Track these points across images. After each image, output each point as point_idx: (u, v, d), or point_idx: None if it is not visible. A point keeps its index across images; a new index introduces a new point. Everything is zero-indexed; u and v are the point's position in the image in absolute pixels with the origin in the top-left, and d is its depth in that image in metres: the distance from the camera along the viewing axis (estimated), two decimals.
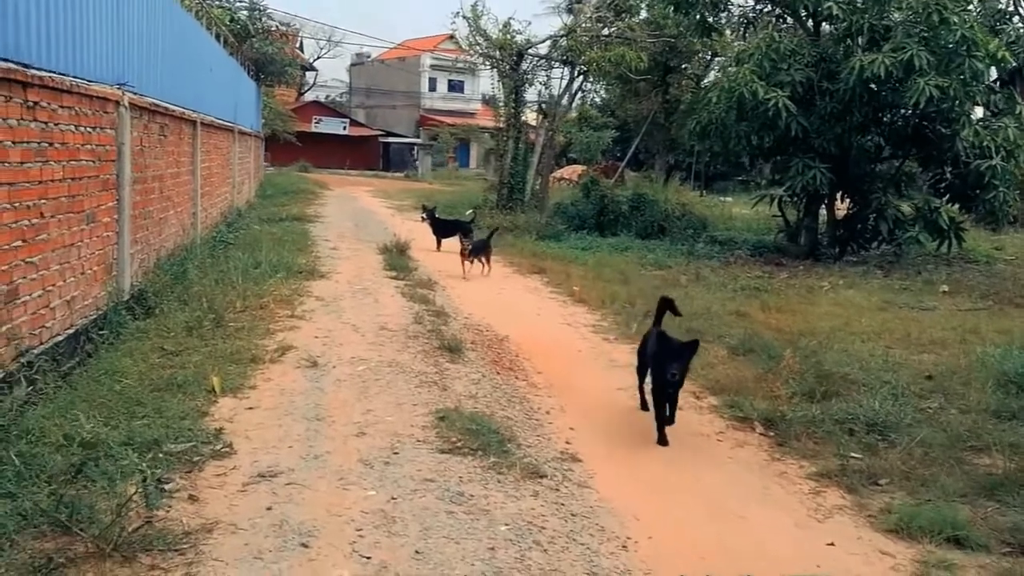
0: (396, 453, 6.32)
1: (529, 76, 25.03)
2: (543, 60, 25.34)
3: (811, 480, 6.64)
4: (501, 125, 25.87)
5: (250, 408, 7.20)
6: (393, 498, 5.56)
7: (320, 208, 26.57)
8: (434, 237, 18.21)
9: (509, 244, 19.68)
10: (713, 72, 36.09)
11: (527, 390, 8.40)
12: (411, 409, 7.36)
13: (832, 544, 5.55)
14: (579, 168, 38.39)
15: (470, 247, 15.23)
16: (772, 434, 7.58)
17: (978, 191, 17.34)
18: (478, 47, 25.35)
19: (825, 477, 6.65)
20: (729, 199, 33.84)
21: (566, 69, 25.14)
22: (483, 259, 15.60)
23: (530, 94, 27.16)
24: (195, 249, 13.66)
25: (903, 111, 17.38)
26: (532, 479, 6.11)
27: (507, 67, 24.85)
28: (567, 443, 6.99)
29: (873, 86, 16.63)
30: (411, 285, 13.38)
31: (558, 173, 34.05)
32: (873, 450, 7.09)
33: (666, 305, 7.91)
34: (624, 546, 5.29)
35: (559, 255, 17.92)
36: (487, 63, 25.68)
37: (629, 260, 17.32)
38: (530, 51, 24.96)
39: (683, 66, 35.49)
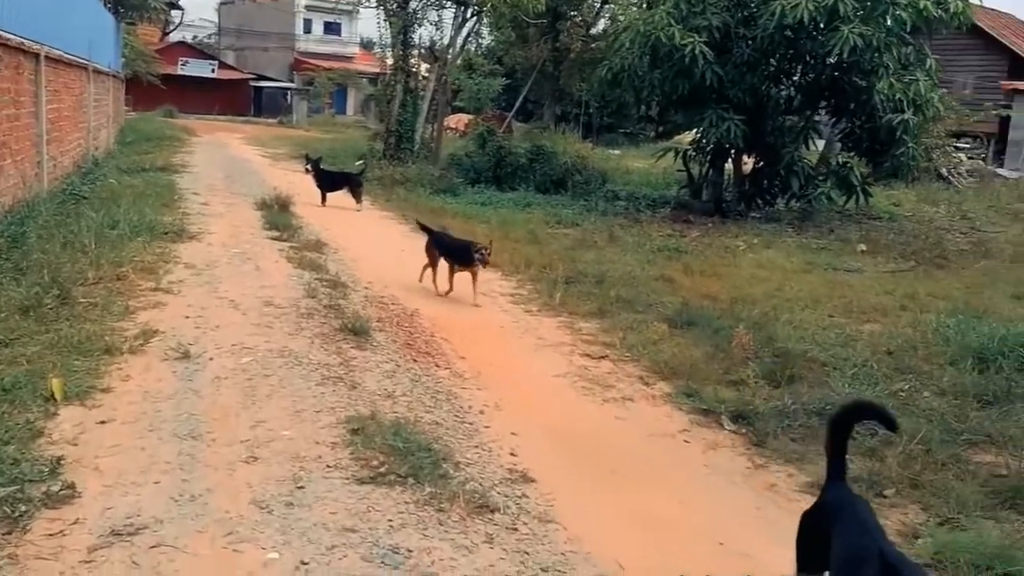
0: (300, 488, 4.83)
1: (419, 16, 23.14)
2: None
3: (808, 493, 5.51)
4: (387, 70, 23.90)
5: (102, 422, 5.53)
6: (303, 563, 4.09)
7: (187, 157, 24.01)
8: (319, 191, 16.36)
9: (402, 199, 18.06)
10: (603, 20, 34.96)
11: (452, 382, 7.01)
12: (314, 418, 5.85)
13: None
14: (465, 117, 36.67)
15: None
16: (744, 431, 6.47)
17: (888, 146, 16.81)
18: None
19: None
20: (618, 152, 32.94)
21: (459, 9, 23.36)
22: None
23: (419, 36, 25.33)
24: (39, 205, 11.52)
25: (820, 62, 16.57)
26: (481, 515, 4.75)
27: (395, 5, 22.89)
28: (512, 455, 5.66)
29: (790, 33, 15.72)
30: (297, 248, 11.65)
31: (445, 121, 32.30)
32: (862, 449, 6.05)
33: None
34: None
35: (459, 211, 16.42)
36: (373, 0, 23.62)
37: (534, 218, 15.99)
38: None
39: (572, 13, 34.24)
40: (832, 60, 15.91)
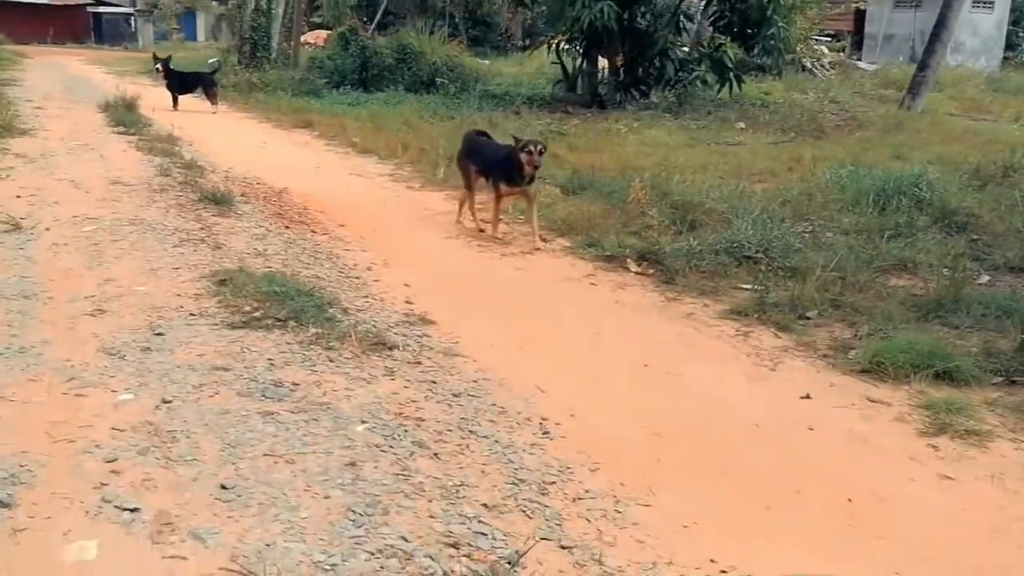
0: (159, 335, 4.08)
1: None
2: None
3: (728, 320, 5.16)
4: None
5: None
6: (165, 401, 3.38)
7: (18, 74, 21.66)
8: (170, 93, 14.96)
9: (260, 102, 16.79)
10: None
11: (332, 244, 6.30)
12: (172, 274, 5.05)
13: (808, 397, 4.06)
14: (324, 33, 34.81)
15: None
16: (652, 272, 6.03)
17: (759, 27, 16.62)
18: None
19: (741, 315, 5.21)
20: (487, 61, 31.99)
21: None
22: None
23: None
24: None
25: None
26: (378, 352, 4.13)
27: None
28: (408, 303, 5.04)
29: None
30: (148, 140, 10.49)
31: (303, 38, 30.48)
32: (776, 280, 5.71)
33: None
34: (545, 431, 3.50)
35: (325, 110, 15.35)
36: None
37: (407, 112, 15.09)
38: None
39: None
40: None
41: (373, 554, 2.52)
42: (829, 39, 28.91)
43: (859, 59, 27.79)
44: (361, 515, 2.71)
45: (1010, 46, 29.57)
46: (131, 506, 2.65)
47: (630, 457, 3.38)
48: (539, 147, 6.46)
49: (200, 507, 2.68)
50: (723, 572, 2.67)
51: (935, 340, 4.61)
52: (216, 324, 4.24)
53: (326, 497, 2.80)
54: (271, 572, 2.39)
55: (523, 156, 6.37)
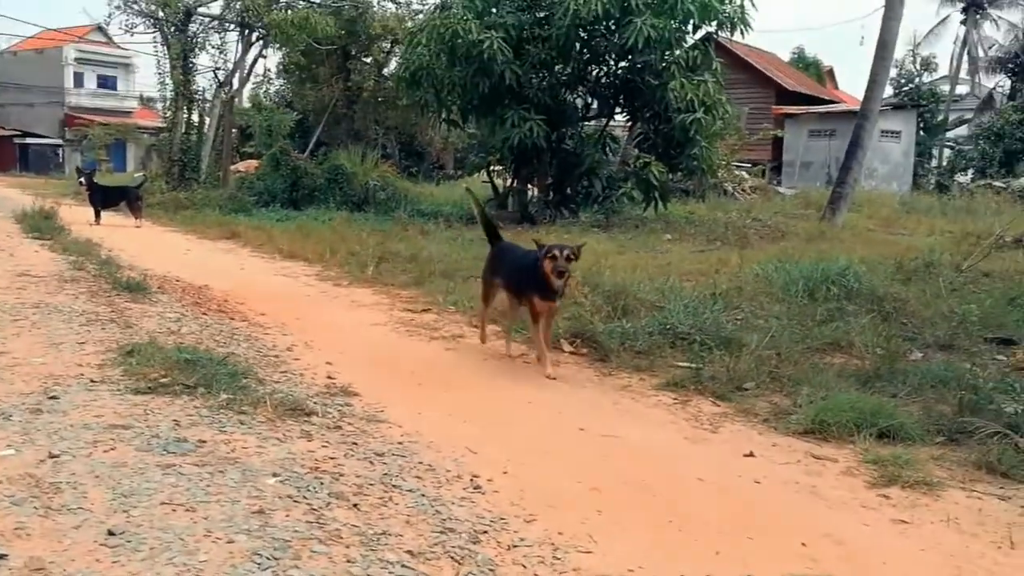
0: (54, 398, 3.73)
1: (200, 39, 21.73)
2: (215, 21, 22.16)
3: (665, 391, 4.99)
4: (168, 95, 22.17)
5: None
6: (52, 456, 3.03)
7: None
8: (92, 207, 14.63)
9: (187, 218, 16.53)
10: (394, 60, 34.71)
11: (251, 329, 6.00)
12: (76, 348, 4.71)
13: (751, 455, 3.87)
14: (254, 163, 35.00)
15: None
16: (585, 351, 5.88)
17: (682, 147, 17.18)
18: (136, 5, 21.53)
19: (680, 387, 5.05)
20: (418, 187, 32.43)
21: (243, 33, 22.16)
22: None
23: (203, 60, 23.88)
24: None
25: (615, 62, 16.78)
26: (295, 418, 3.83)
27: (172, 28, 21.38)
28: (330, 377, 4.76)
29: (584, 34, 15.81)
30: (63, 246, 10.10)
31: (234, 167, 30.58)
32: (712, 359, 5.59)
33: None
34: (476, 486, 3.24)
35: (252, 224, 15.16)
36: (149, 24, 21.92)
37: (338, 224, 15.00)
38: (200, 9, 21.66)
39: (364, 55, 33.77)
40: (626, 62, 16.14)
41: None
42: (749, 166, 30.12)
43: (778, 184, 28.92)
44: (268, 559, 2.40)
45: (916, 173, 31.22)
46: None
47: (568, 509, 3.12)
48: (566, 252, 5.24)
49: (80, 553, 2.34)
50: None
51: (878, 400, 4.50)
52: (119, 390, 3.91)
53: (229, 542, 2.48)
54: None
55: (546, 263, 5.20)
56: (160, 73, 21.97)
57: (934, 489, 3.54)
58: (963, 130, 38.22)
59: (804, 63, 45.51)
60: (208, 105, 22.87)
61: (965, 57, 42.00)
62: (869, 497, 3.44)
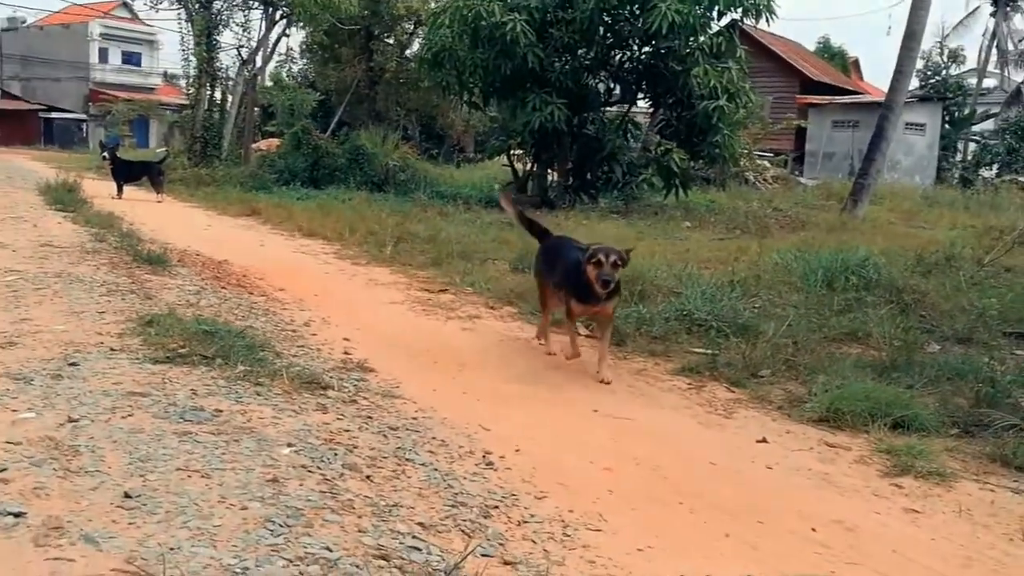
0: (74, 365, 3.78)
1: (224, 16, 21.78)
2: None
3: (680, 376, 4.99)
4: (192, 72, 22.22)
5: None
6: (71, 420, 3.08)
7: None
8: (115, 181, 14.74)
9: (208, 195, 16.61)
10: (417, 41, 34.64)
11: (269, 304, 6.04)
12: (96, 317, 4.75)
13: (765, 440, 3.87)
14: (276, 141, 35.08)
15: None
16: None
17: (704, 134, 17.07)
18: None
19: (695, 372, 5.05)
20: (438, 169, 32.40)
21: (267, 10, 22.15)
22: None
23: (227, 38, 23.90)
24: None
25: (635, 52, 16.69)
26: (311, 391, 3.86)
27: (197, 5, 21.44)
28: (346, 353, 4.79)
29: (608, 19, 15.73)
30: (86, 218, 10.18)
31: (255, 145, 30.66)
32: (728, 346, 5.58)
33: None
34: (488, 463, 3.26)
35: (273, 202, 15.22)
36: (174, 1, 21.99)
37: (357, 203, 15.04)
38: None
39: (386, 35, 33.73)
40: (649, 48, 16.05)
41: (291, 561, 2.24)
42: (771, 156, 29.91)
43: (800, 175, 28.71)
44: (281, 526, 2.43)
45: (940, 167, 30.91)
46: (15, 511, 2.33)
47: (580, 488, 3.14)
48: (612, 257, 4.80)
49: (98, 514, 2.38)
50: None
51: (893, 390, 4.48)
52: (138, 359, 3.95)
53: (243, 508, 2.51)
54: (172, 574, 2.09)
55: (589, 268, 4.79)
56: (184, 50, 22.05)
57: (947, 480, 3.53)
58: (989, 124, 37.73)
59: (829, 53, 45.06)
60: (231, 83, 22.94)
61: (994, 50, 41.44)
62: (882, 486, 3.43)
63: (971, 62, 41.71)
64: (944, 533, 3.03)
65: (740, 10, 16.23)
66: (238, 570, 2.15)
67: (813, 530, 2.95)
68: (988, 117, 38.08)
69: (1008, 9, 40.60)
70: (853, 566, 2.70)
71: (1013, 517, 3.17)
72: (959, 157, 35.05)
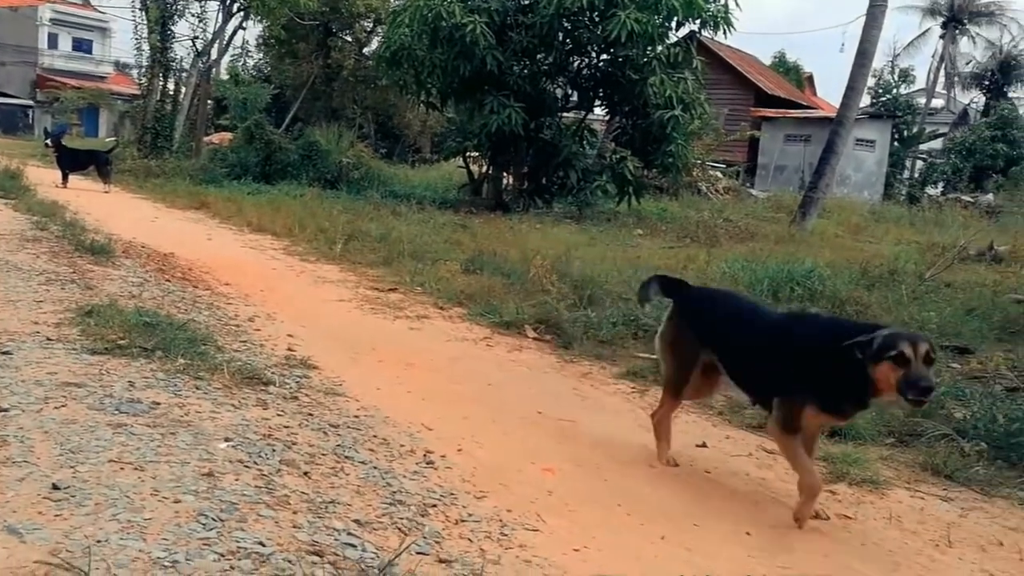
0: (6, 353, 3.69)
1: (179, 6, 21.43)
2: None
3: (624, 380, 5.03)
4: (145, 61, 21.83)
5: None
6: (1, 410, 3.00)
7: None
8: (60, 170, 14.42)
9: (156, 186, 16.34)
10: (376, 39, 34.45)
11: (214, 298, 5.97)
12: (33, 306, 4.65)
13: (704, 445, 3.92)
14: (228, 135, 34.59)
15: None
16: (549, 338, 5.90)
17: (659, 143, 17.23)
18: None
19: (639, 377, 5.10)
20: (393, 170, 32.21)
21: (225, 2, 21.84)
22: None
23: (182, 28, 23.48)
24: None
25: (594, 59, 16.80)
26: (252, 386, 3.82)
27: None
28: (290, 350, 4.74)
29: (568, 25, 15.81)
30: (28, 206, 9.96)
31: (207, 139, 30.21)
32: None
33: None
34: (429, 462, 3.24)
35: (223, 196, 15.01)
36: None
37: (308, 200, 14.90)
38: None
39: (344, 32, 33.55)
40: (608, 55, 16.16)
41: (223, 555, 2.21)
42: (724, 167, 30.29)
43: (752, 186, 29.11)
44: (214, 519, 2.40)
45: (888, 183, 31.58)
46: None
47: (519, 488, 3.15)
48: (924, 348, 2.95)
49: (23, 505, 2.33)
50: None
51: None
52: (75, 349, 3.88)
53: (176, 502, 2.48)
54: (99, 568, 2.05)
55: (885, 368, 2.93)
56: (137, 39, 21.65)
57: (880, 487, 3.61)
58: (937, 143, 38.68)
59: (785, 67, 45.76)
60: (185, 74, 22.58)
61: (942, 71, 42.49)
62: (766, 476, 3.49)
63: (920, 82, 42.75)
64: (875, 539, 3.09)
65: (698, 22, 16.43)
66: (167, 563, 2.11)
67: (748, 534, 3.00)
68: (936, 136, 39.03)
69: (957, 32, 41.65)
70: (784, 569, 2.74)
71: (941, 524, 3.25)
72: (907, 174, 35.85)
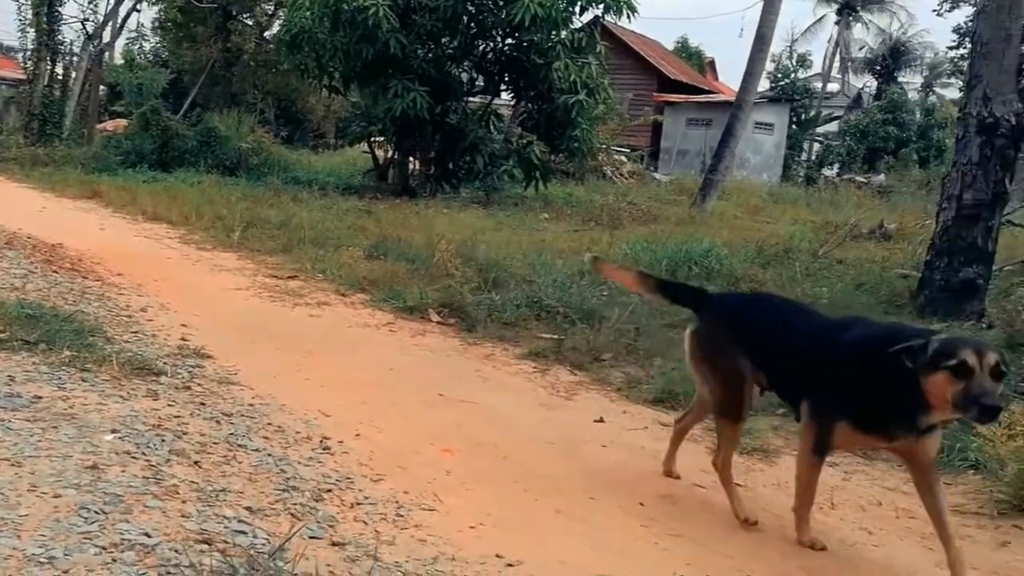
0: None
1: None
2: None
3: (526, 361, 5.08)
4: (30, 44, 20.89)
5: None
6: None
7: None
8: None
9: (45, 175, 15.67)
10: (278, 22, 33.69)
11: (104, 289, 5.78)
12: None
13: (602, 420, 3.99)
14: (123, 122, 33.39)
15: None
16: (452, 321, 5.91)
17: (564, 128, 17.36)
18: None
19: (540, 357, 5.15)
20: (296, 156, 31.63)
21: None
22: None
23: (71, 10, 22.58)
24: None
25: (499, 43, 16.79)
26: (142, 377, 3.72)
27: None
28: (184, 339, 4.63)
29: (472, 9, 15.75)
30: None
31: (101, 126, 29.11)
32: (575, 331, 5.71)
33: None
34: (326, 448, 3.22)
35: (117, 184, 14.49)
36: None
37: (206, 187, 14.50)
38: None
39: (245, 15, 32.70)
40: (512, 40, 16.16)
41: (105, 548, 2.16)
42: (628, 151, 30.73)
43: (655, 170, 29.59)
44: (97, 512, 2.34)
45: (787, 165, 32.56)
46: None
47: (417, 470, 3.15)
48: (993, 361, 2.52)
49: None
50: (510, 566, 2.48)
51: None
52: None
53: (56, 496, 2.40)
54: None
55: (940, 379, 2.53)
56: (21, 20, 20.68)
57: (770, 456, 3.75)
58: (833, 126, 40.02)
59: (687, 53, 46.57)
60: (75, 59, 21.69)
61: (838, 57, 43.96)
62: (708, 462, 3.58)
63: (817, 67, 44.13)
64: (763, 504, 3.21)
65: (602, 7, 16.57)
66: (43, 560, 2.05)
67: (641, 504, 3.07)
68: (831, 120, 40.37)
69: (850, 19, 43.15)
70: (676, 537, 2.82)
71: (825, 488, 3.37)
72: (804, 156, 36.99)
